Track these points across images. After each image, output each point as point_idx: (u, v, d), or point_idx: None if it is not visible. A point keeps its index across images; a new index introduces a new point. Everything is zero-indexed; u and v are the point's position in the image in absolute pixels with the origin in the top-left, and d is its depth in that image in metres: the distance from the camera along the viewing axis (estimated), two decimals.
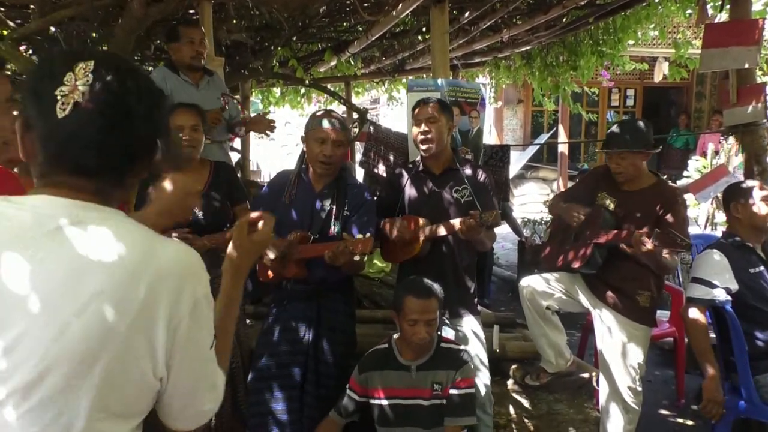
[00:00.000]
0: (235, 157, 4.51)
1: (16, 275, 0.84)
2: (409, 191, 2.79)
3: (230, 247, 1.26)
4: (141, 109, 0.94)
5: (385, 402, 2.35)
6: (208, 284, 0.98)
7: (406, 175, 2.83)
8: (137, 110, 0.93)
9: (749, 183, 2.92)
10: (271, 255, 2.42)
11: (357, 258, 2.25)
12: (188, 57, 3.43)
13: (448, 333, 2.62)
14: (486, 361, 2.64)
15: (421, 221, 2.59)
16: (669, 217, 2.68)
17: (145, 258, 0.90)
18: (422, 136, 2.66)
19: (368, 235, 2.29)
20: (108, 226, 0.90)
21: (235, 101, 3.79)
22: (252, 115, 3.79)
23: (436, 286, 2.38)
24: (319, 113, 2.62)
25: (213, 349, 1.01)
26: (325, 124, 2.52)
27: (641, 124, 2.85)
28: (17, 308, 0.84)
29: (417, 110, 2.72)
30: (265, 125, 3.61)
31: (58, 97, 0.88)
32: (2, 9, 4.30)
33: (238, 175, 3.21)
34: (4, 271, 0.85)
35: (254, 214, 1.32)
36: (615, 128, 2.89)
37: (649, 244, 2.43)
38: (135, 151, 0.96)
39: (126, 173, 0.97)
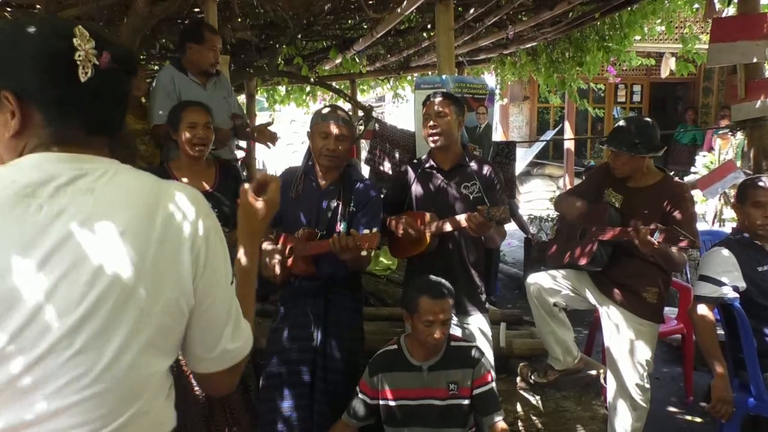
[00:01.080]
0: (240, 155, 4.51)
1: (37, 231, 0.86)
2: (417, 188, 2.78)
3: (239, 212, 1.29)
4: (134, 66, 1.04)
5: (396, 403, 2.34)
6: (215, 218, 1.05)
7: (412, 172, 2.82)
8: (134, 69, 1.03)
9: (751, 182, 2.86)
10: (278, 258, 2.45)
11: (363, 253, 2.25)
12: (208, 63, 3.45)
13: (454, 331, 2.62)
14: (492, 359, 2.63)
15: (428, 217, 2.59)
16: (676, 214, 2.66)
17: (155, 196, 0.96)
18: (430, 131, 2.66)
19: (375, 230, 2.29)
20: (116, 173, 0.96)
21: (243, 120, 3.80)
22: (257, 125, 3.79)
23: (449, 285, 2.37)
24: (323, 109, 2.62)
25: (233, 286, 1.06)
26: (329, 119, 2.52)
27: (648, 125, 2.79)
28: (46, 262, 0.86)
29: (426, 107, 2.72)
30: (267, 137, 3.63)
31: (78, 62, 0.92)
32: (8, 9, 4.32)
33: (244, 173, 3.22)
34: (23, 229, 0.86)
35: (259, 177, 1.33)
36: (621, 124, 2.86)
37: (653, 240, 2.42)
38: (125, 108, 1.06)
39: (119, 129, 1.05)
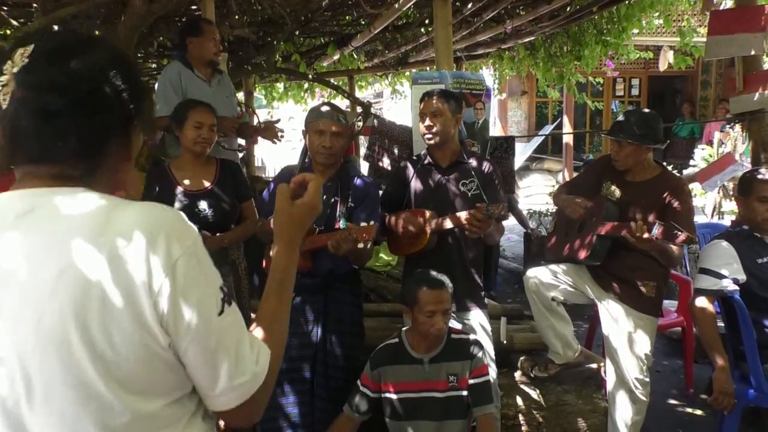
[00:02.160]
0: (240, 153, 4.53)
1: None
2: (416, 184, 2.78)
3: (275, 216, 1.16)
4: (92, 88, 0.88)
5: (398, 396, 2.35)
6: (193, 242, 0.90)
7: (412, 168, 2.83)
8: (77, 91, 0.87)
9: (758, 175, 2.84)
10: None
11: (360, 245, 2.25)
12: (211, 53, 3.47)
13: (454, 325, 2.62)
14: (492, 354, 2.64)
15: (428, 214, 2.59)
16: (674, 208, 2.66)
17: (101, 227, 0.85)
18: (425, 130, 2.67)
19: (371, 222, 2.29)
20: (68, 204, 0.87)
21: (249, 110, 3.82)
22: (263, 121, 3.81)
23: (446, 277, 2.38)
24: (317, 106, 2.63)
25: (226, 316, 0.92)
26: (324, 116, 2.52)
27: (652, 117, 2.80)
28: None
29: (422, 104, 2.72)
30: (274, 133, 3.65)
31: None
32: (5, 8, 4.31)
33: (243, 171, 3.23)
34: None
35: (298, 177, 1.20)
36: (626, 116, 2.86)
37: (649, 235, 2.42)
38: (96, 133, 0.91)
39: (96, 155, 0.92)
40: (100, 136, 0.91)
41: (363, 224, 2.28)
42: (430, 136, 2.66)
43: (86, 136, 0.89)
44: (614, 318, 2.81)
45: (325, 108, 2.57)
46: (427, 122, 2.65)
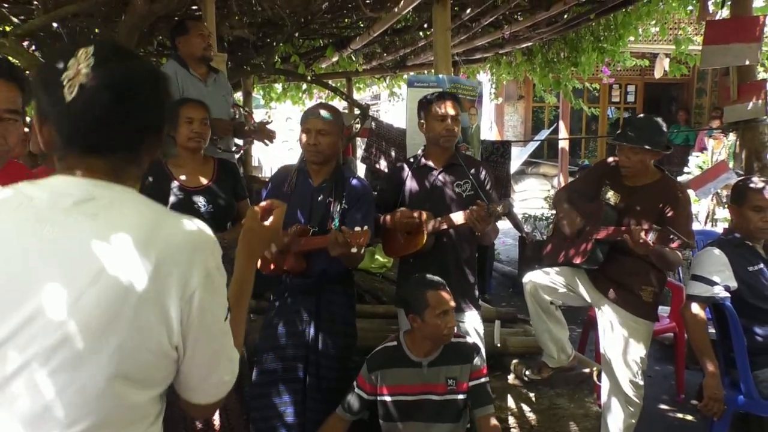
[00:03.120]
0: (236, 155, 4.55)
1: (34, 250, 0.90)
2: (411, 184, 2.81)
3: (243, 233, 1.29)
4: (145, 86, 0.98)
5: (394, 398, 2.37)
6: (219, 256, 1.01)
7: (407, 169, 2.86)
8: (141, 87, 0.98)
9: (752, 184, 2.86)
10: (274, 248, 2.46)
11: (354, 250, 2.27)
12: (200, 48, 3.45)
13: None
14: (484, 357, 2.66)
15: (425, 215, 2.62)
16: (672, 214, 2.68)
17: (153, 231, 0.94)
18: (446, 132, 2.71)
19: (365, 228, 2.32)
20: (119, 202, 0.96)
21: (244, 112, 3.83)
22: (257, 122, 3.83)
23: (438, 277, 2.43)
24: (310, 107, 2.67)
25: (227, 322, 1.05)
26: (311, 114, 2.58)
27: (662, 123, 2.81)
28: (35, 281, 0.89)
29: (439, 107, 2.71)
30: (266, 134, 3.66)
31: (64, 82, 0.92)
32: (6, 5, 4.31)
33: (240, 170, 3.24)
34: (22, 247, 0.91)
35: (266, 202, 1.36)
36: (632, 122, 2.86)
37: (647, 240, 2.44)
38: (143, 128, 1.01)
39: (137, 150, 1.02)
40: (146, 131, 1.02)
41: (357, 229, 2.30)
42: (450, 137, 2.73)
43: (135, 129, 1.00)
44: (610, 322, 2.83)
45: (313, 108, 2.64)
46: (449, 125, 2.70)
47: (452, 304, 2.35)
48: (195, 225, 1.00)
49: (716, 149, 8.00)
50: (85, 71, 0.93)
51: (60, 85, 0.92)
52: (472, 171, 2.75)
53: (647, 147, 2.70)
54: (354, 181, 2.64)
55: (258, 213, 1.32)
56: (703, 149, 9.25)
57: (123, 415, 0.95)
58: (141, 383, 0.95)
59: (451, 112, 2.70)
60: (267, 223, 1.32)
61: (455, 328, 2.65)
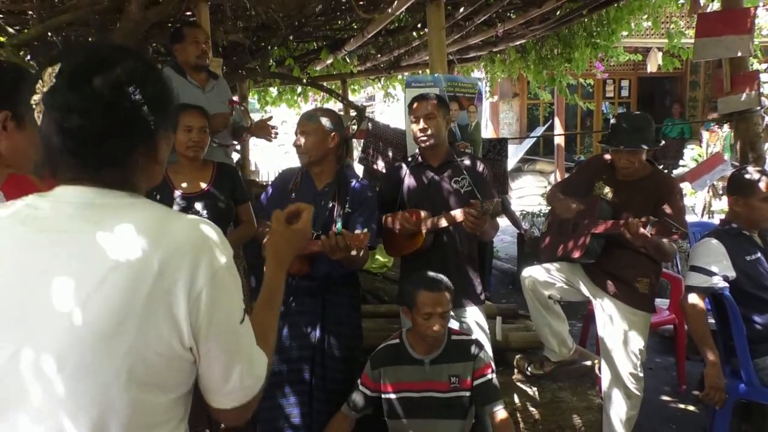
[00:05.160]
0: (235, 157, 4.54)
1: (40, 260, 0.91)
2: (409, 182, 2.83)
3: (270, 238, 1.27)
4: (100, 109, 0.93)
5: (398, 396, 2.38)
6: (229, 255, 1.00)
7: (405, 168, 2.87)
8: (94, 112, 0.92)
9: (754, 175, 2.86)
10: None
11: (354, 253, 2.28)
12: (194, 56, 3.47)
13: (451, 325, 2.66)
14: (490, 351, 2.68)
15: (423, 214, 2.63)
16: (666, 206, 2.71)
17: (157, 233, 0.93)
18: (421, 134, 2.71)
19: (365, 231, 2.33)
20: (122, 207, 0.96)
21: (241, 108, 3.83)
22: (256, 120, 3.82)
23: (446, 279, 2.40)
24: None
25: (245, 324, 1.03)
26: (300, 117, 2.65)
27: (649, 118, 2.84)
28: (42, 289, 0.89)
29: (415, 106, 2.75)
30: (267, 131, 3.67)
31: (33, 106, 0.93)
32: (1, 15, 4.32)
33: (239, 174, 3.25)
34: (28, 255, 0.92)
35: (293, 206, 1.34)
36: (624, 124, 2.83)
37: (645, 232, 2.47)
38: (123, 143, 0.96)
39: (125, 164, 0.98)
40: (125, 148, 0.98)
41: (357, 232, 2.31)
42: (425, 138, 2.71)
43: (110, 150, 0.96)
44: (609, 315, 2.86)
45: (307, 110, 2.69)
46: (422, 125, 2.70)
47: (441, 309, 2.30)
48: (200, 224, 0.99)
49: (711, 142, 8.04)
50: (45, 98, 0.92)
51: (31, 108, 0.94)
52: (469, 166, 2.77)
53: (645, 147, 2.75)
54: (357, 184, 2.65)
55: (283, 216, 1.30)
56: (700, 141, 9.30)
57: (143, 419, 0.94)
58: (157, 387, 0.95)
59: (424, 111, 2.70)
60: (295, 226, 1.30)
61: (457, 326, 2.68)
